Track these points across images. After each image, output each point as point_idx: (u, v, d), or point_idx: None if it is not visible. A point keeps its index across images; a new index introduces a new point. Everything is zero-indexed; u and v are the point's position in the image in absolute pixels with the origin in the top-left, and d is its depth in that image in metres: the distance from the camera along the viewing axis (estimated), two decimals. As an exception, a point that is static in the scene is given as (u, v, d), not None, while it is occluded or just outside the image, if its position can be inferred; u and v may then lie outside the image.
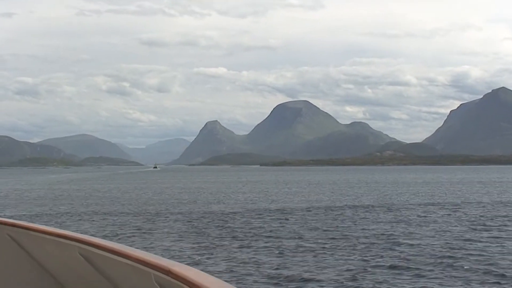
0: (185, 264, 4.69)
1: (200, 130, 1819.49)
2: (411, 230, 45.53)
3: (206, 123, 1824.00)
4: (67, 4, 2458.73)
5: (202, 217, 57.34)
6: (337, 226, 48.57)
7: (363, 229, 46.33)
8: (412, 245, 37.11)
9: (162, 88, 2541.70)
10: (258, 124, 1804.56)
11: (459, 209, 64.93)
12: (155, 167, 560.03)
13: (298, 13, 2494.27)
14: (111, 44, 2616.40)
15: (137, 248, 5.51)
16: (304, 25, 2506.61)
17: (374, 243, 37.95)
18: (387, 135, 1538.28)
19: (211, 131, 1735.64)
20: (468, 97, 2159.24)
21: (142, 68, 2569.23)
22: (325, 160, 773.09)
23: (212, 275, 4.33)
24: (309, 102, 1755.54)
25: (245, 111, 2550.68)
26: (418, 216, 57.33)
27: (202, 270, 4.48)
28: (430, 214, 59.74)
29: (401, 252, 34.47)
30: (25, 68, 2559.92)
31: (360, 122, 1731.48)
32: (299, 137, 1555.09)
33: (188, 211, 65.04)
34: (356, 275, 27.41)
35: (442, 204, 72.75)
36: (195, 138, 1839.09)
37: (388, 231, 44.86)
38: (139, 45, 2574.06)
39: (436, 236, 41.95)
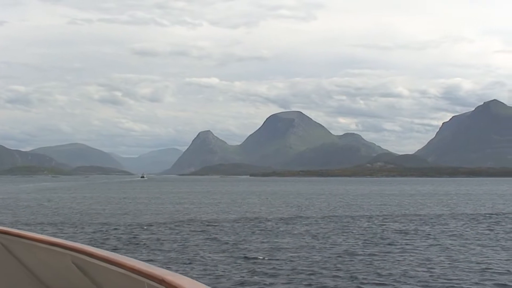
0: (179, 273, 4.65)
1: (193, 140, 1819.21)
2: (307, 242, 44.90)
3: (199, 133, 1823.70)
4: (59, 13, 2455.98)
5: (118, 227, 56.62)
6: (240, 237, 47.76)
7: (262, 241, 45.63)
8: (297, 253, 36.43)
9: (154, 98, 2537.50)
10: (250, 135, 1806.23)
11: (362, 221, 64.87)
12: (142, 177, 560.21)
13: (290, 24, 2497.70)
14: (104, 53, 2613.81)
15: (130, 257, 5.46)
16: (296, 36, 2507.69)
17: (274, 256, 37.28)
18: (380, 147, 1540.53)
19: (204, 141, 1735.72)
20: (460, 109, 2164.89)
21: (135, 77, 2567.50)
22: (315, 171, 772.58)
23: (204, 283, 4.39)
24: (302, 113, 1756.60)
25: (238, 122, 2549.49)
26: (321, 227, 56.97)
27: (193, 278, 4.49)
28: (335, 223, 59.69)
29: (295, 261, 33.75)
30: (17, 76, 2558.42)
31: (353, 133, 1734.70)
32: (291, 147, 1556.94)
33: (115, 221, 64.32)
34: None
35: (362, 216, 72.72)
36: (187, 148, 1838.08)
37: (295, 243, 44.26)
38: (132, 55, 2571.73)
39: (323, 248, 41.38)
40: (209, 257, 36.94)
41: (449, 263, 35.13)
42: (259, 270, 32.08)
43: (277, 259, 35.99)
